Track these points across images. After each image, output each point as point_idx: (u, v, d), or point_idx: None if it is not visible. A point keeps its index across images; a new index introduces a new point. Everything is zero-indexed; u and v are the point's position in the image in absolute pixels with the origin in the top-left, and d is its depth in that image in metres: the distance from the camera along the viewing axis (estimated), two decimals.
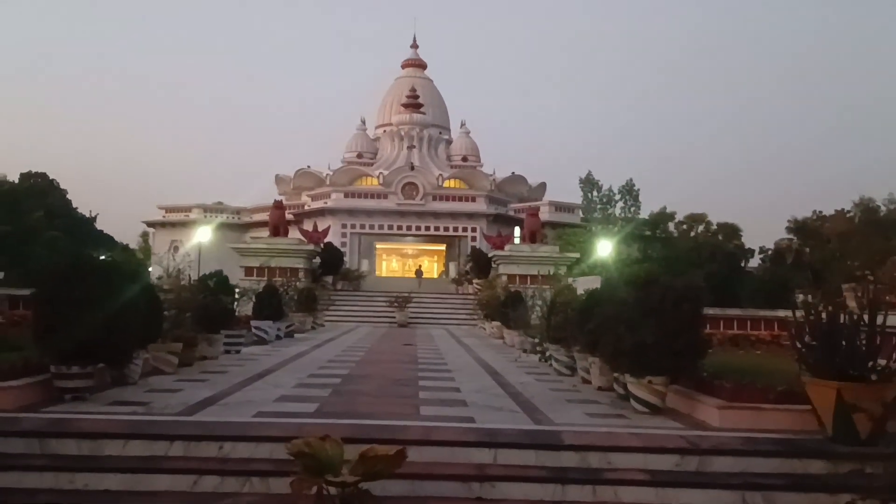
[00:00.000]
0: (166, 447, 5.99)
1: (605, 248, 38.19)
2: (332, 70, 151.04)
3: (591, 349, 9.56)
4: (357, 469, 4.70)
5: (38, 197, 46.91)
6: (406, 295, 30.74)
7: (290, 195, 53.35)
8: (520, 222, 40.03)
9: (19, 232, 38.51)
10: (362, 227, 48.33)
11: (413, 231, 48.55)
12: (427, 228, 48.35)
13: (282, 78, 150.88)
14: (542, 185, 57.46)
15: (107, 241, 51.38)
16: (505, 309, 20.15)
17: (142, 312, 8.59)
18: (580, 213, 50.95)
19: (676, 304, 7.27)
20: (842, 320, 6.38)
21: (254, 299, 19.05)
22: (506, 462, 5.94)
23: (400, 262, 55.44)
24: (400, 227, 48.42)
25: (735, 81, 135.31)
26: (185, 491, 5.55)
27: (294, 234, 38.79)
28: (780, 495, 5.61)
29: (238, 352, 14.16)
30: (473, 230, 47.58)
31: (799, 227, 48.68)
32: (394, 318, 29.30)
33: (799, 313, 6.77)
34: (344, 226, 47.65)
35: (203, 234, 43.69)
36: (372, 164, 55.70)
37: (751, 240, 51.23)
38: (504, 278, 31.00)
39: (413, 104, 57.21)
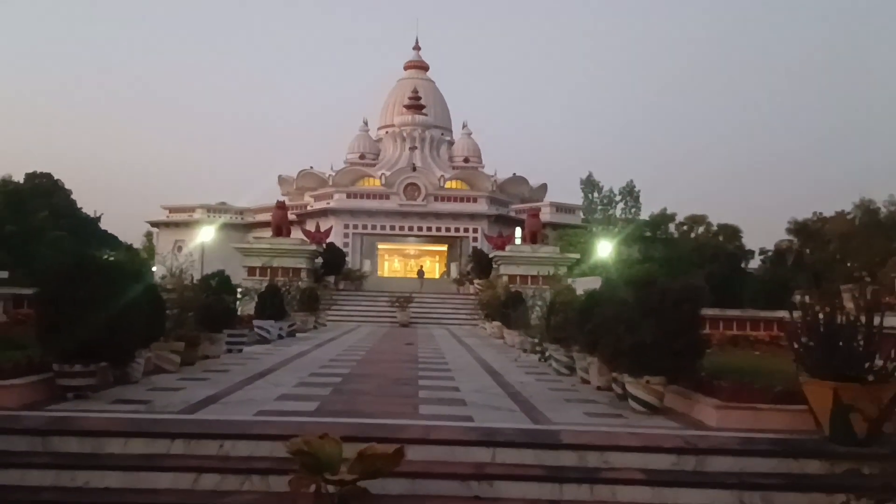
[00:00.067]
0: (167, 445, 6.04)
1: (605, 249, 38.20)
2: (334, 71, 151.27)
3: (590, 349, 9.59)
4: (355, 467, 4.74)
5: (43, 197, 47.11)
6: (408, 295, 30.79)
7: (293, 195, 53.48)
8: (521, 223, 40.04)
9: (24, 231, 38.69)
10: (364, 227, 48.39)
11: (415, 231, 48.60)
12: (429, 229, 48.40)
13: (285, 79, 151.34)
14: (544, 186, 57.50)
15: (111, 240, 51.62)
16: (505, 309, 20.18)
17: (144, 312, 8.65)
18: (581, 214, 50.92)
19: (675, 305, 7.30)
20: (839, 321, 6.41)
21: (256, 299, 19.12)
22: (504, 461, 5.98)
23: (402, 262, 55.48)
24: (402, 228, 48.48)
25: (736, 83, 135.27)
26: (185, 489, 5.60)
27: (297, 234, 38.86)
28: (777, 495, 5.64)
29: (240, 351, 14.21)
30: (475, 231, 47.63)
31: (799, 229, 48.64)
32: (395, 317, 29.34)
33: (797, 314, 6.80)
34: (346, 226, 47.73)
35: (206, 234, 43.80)
36: (374, 165, 55.77)
37: (751, 241, 51.31)
38: (505, 279, 31.02)
39: (415, 105, 57.25)
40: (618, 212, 49.12)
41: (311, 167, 55.05)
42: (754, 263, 49.00)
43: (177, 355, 10.52)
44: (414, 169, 50.75)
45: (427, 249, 54.27)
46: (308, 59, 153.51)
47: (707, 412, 7.11)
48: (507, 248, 34.41)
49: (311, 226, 43.88)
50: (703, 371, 7.71)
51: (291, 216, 42.53)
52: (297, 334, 20.76)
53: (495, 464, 5.95)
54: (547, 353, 12.52)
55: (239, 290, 17.44)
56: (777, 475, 5.87)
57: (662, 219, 49.14)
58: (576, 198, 51.18)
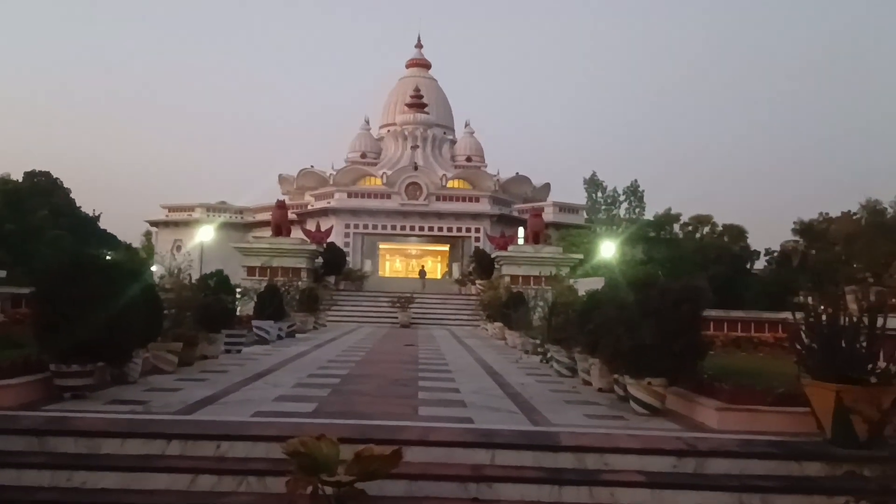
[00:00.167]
0: (164, 446, 6.00)
1: (608, 250, 38.11)
2: (335, 71, 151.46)
3: (591, 350, 9.55)
4: (352, 469, 4.69)
5: (42, 196, 47.13)
6: (409, 295, 30.75)
7: (294, 195, 53.45)
8: (523, 223, 39.98)
9: (23, 230, 38.71)
10: (365, 227, 48.34)
11: (416, 231, 48.52)
12: (430, 229, 48.33)
13: (285, 79, 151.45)
14: (547, 186, 57.41)
15: (110, 240, 51.66)
16: (507, 310, 20.13)
17: (142, 311, 8.61)
18: (584, 213, 50.87)
19: (675, 306, 7.26)
20: (842, 323, 6.36)
21: (255, 299, 19.08)
22: (503, 463, 5.94)
23: (403, 262, 55.43)
24: (403, 228, 48.41)
25: (741, 81, 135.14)
26: (181, 490, 5.56)
27: (297, 233, 38.83)
28: (777, 497, 5.59)
29: (239, 351, 14.18)
30: (477, 231, 47.54)
31: (805, 229, 48.46)
32: (396, 318, 29.30)
33: (799, 315, 6.75)
34: (347, 226, 47.68)
35: (206, 234, 43.78)
36: (375, 164, 55.72)
37: (756, 241, 51.05)
38: (507, 279, 30.94)
39: (417, 104, 57.18)
40: (621, 212, 49.09)
41: (312, 166, 55.04)
42: (760, 264, 48.91)
43: (174, 355, 10.48)
44: (416, 168, 50.68)
45: (429, 249, 54.21)
46: (308, 59, 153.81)
47: (708, 414, 7.07)
48: (510, 248, 34.32)
49: (311, 225, 43.83)
50: (705, 373, 7.67)
51: (292, 215, 42.50)
52: (297, 335, 20.72)
53: (494, 465, 5.91)
54: (548, 355, 12.48)
55: (238, 289, 17.40)
56: (777, 477, 5.83)
57: (667, 219, 49.02)
58: (579, 198, 51.23)
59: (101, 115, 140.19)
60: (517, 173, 55.39)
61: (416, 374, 11.31)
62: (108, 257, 15.21)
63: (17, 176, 50.08)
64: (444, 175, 51.51)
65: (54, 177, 52.63)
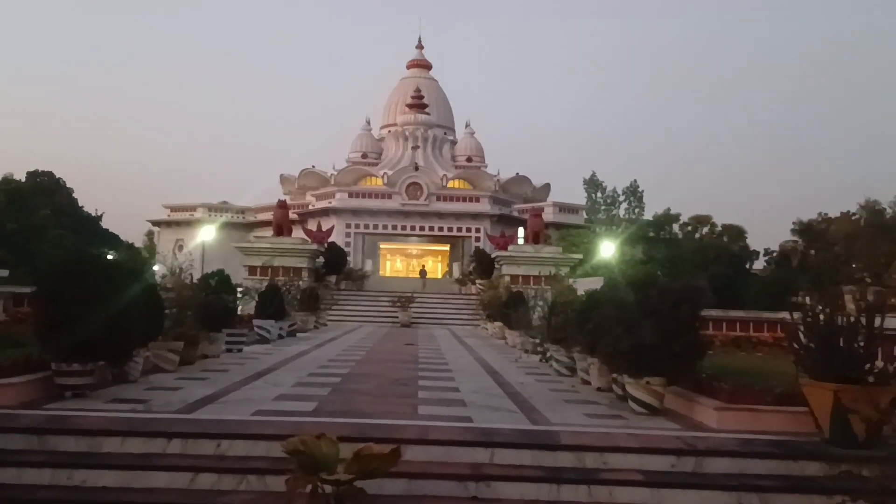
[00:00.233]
0: (164, 444, 6.03)
1: (608, 250, 38.12)
2: (335, 71, 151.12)
3: (590, 350, 9.57)
4: (352, 467, 4.71)
5: (44, 195, 47.13)
6: (409, 295, 30.76)
7: (295, 195, 53.49)
8: (524, 223, 39.99)
9: (25, 230, 38.71)
10: (366, 226, 48.38)
11: (417, 231, 48.54)
12: (431, 228, 48.36)
13: (285, 79, 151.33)
14: (547, 186, 57.43)
15: (112, 239, 51.60)
16: (507, 309, 20.14)
17: (143, 311, 8.64)
18: (584, 214, 50.90)
19: (674, 305, 7.28)
20: (840, 322, 6.38)
21: (256, 298, 19.10)
22: (502, 462, 5.96)
23: (404, 262, 55.44)
24: (404, 227, 48.43)
25: (741, 82, 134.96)
26: (182, 488, 5.58)
27: (298, 233, 38.83)
28: (775, 497, 5.60)
29: (240, 350, 14.21)
30: (477, 230, 47.56)
31: (804, 229, 48.44)
32: (397, 318, 29.31)
33: (797, 315, 6.77)
34: (348, 225, 47.71)
35: (207, 233, 43.81)
36: (376, 165, 55.75)
37: (756, 242, 51.01)
38: (507, 279, 30.94)
39: (418, 104, 57.20)
40: (621, 212, 49.05)
41: (313, 166, 55.08)
42: (759, 264, 48.84)
43: (175, 354, 10.51)
44: (416, 168, 50.72)
45: (429, 249, 54.24)
46: (309, 59, 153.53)
47: (707, 413, 7.08)
48: (510, 248, 34.35)
49: (312, 225, 43.86)
50: (704, 372, 7.69)
51: (293, 215, 42.51)
52: (298, 334, 20.75)
53: (493, 464, 5.93)
54: (548, 354, 12.50)
55: (239, 289, 17.44)
56: (776, 477, 5.85)
57: (666, 219, 48.99)
58: (579, 198, 51.22)
59: (101, 115, 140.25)
60: (517, 173, 55.42)
61: (416, 374, 11.33)
62: (109, 257, 15.26)
63: (20, 176, 50.15)
64: (445, 175, 51.55)
65: (57, 177, 52.64)
